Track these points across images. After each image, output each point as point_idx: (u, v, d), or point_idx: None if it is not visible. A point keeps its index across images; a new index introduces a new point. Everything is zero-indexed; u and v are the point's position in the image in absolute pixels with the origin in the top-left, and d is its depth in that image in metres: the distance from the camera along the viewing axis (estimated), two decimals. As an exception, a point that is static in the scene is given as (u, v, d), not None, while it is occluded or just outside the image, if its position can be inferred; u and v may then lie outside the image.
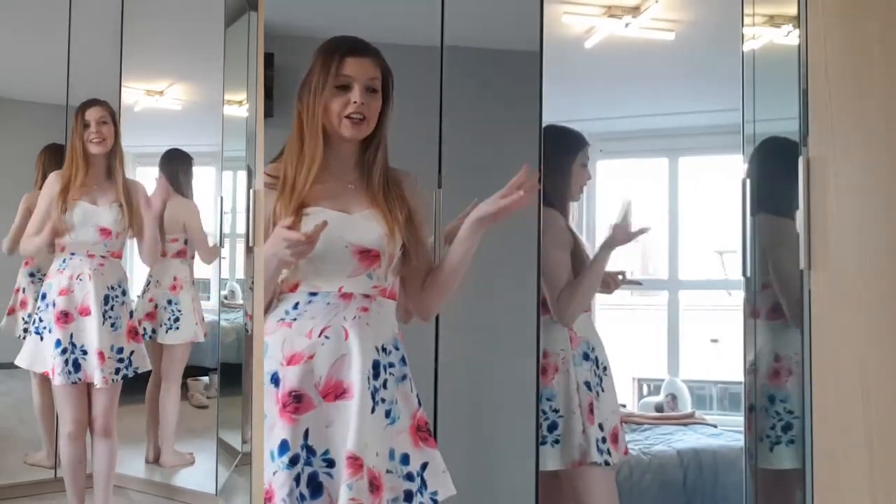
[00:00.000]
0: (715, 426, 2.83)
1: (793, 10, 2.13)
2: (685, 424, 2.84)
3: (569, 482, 2.41)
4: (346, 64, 1.74)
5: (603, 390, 2.44)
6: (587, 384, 2.42)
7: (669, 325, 2.88)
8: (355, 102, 1.73)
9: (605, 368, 2.47)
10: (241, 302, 3.65)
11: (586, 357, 2.44)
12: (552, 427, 2.39)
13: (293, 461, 1.61)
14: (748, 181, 2.26)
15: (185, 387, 3.67)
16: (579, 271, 2.48)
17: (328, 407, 1.65)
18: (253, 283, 2.95)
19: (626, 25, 2.69)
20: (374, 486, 1.62)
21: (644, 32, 2.70)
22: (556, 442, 2.38)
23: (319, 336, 1.67)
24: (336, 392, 1.65)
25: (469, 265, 1.77)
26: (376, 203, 1.76)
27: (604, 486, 2.40)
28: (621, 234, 2.51)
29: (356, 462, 1.59)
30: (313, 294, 1.72)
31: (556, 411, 2.40)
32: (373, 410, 1.64)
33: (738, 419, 2.46)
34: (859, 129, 1.58)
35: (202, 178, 3.56)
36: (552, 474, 2.41)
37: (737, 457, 2.48)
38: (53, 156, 3.24)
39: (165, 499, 3.37)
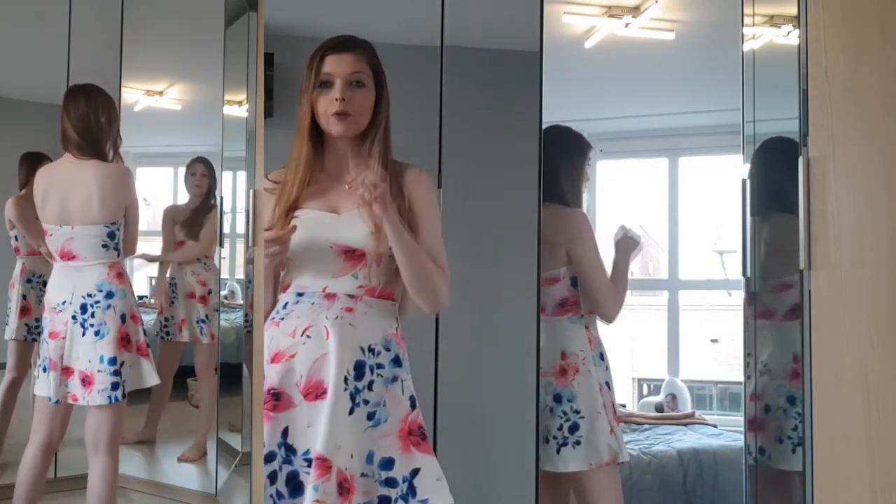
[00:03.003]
0: (715, 426, 2.83)
1: (793, 10, 2.12)
2: (685, 424, 2.84)
3: (577, 483, 2.40)
4: (326, 62, 1.74)
5: (610, 390, 2.45)
6: (607, 384, 2.42)
7: (669, 325, 2.88)
8: (337, 99, 1.72)
9: (606, 368, 2.47)
10: (240, 302, 3.65)
11: (602, 357, 2.44)
12: (574, 428, 2.37)
13: (268, 459, 1.61)
14: (748, 181, 2.25)
15: (184, 387, 3.68)
16: None
17: (309, 406, 1.65)
18: (251, 283, 2.95)
19: (626, 25, 2.69)
20: (345, 489, 1.60)
21: (644, 32, 2.70)
22: (578, 443, 2.37)
23: (302, 335, 1.67)
24: (317, 392, 1.65)
25: (409, 252, 1.70)
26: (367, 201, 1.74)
27: (616, 485, 2.40)
28: (633, 241, 2.54)
29: (324, 464, 1.58)
30: (300, 294, 1.73)
31: (578, 412, 2.38)
32: (351, 412, 1.63)
33: (738, 419, 2.45)
34: (859, 129, 1.58)
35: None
36: (553, 475, 2.40)
37: (737, 457, 2.48)
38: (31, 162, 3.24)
39: (165, 499, 3.37)
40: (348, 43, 1.77)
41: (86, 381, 2.55)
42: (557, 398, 2.40)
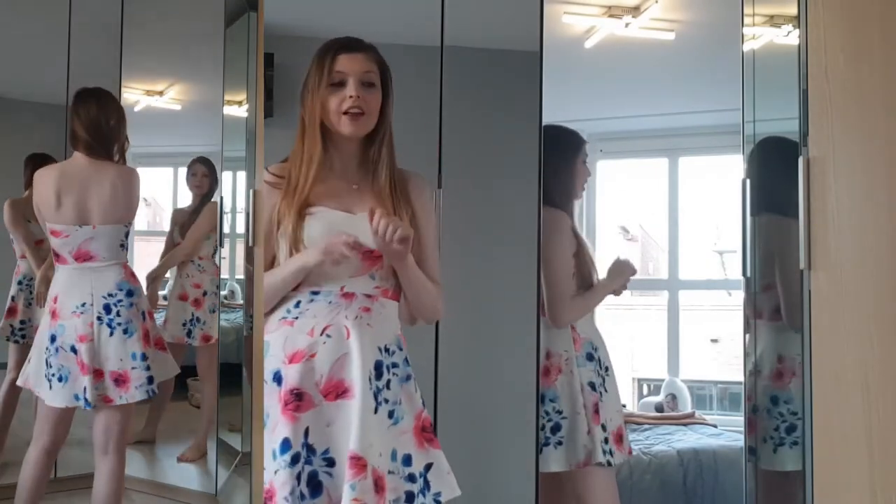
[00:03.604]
0: (715, 426, 2.83)
1: (793, 10, 2.12)
2: (685, 424, 2.84)
3: (570, 483, 2.41)
4: (338, 60, 1.76)
5: (606, 390, 2.44)
6: (591, 384, 2.42)
7: (669, 325, 2.87)
8: (351, 97, 1.74)
9: (606, 368, 2.47)
10: (240, 302, 3.65)
11: (590, 357, 2.44)
12: (556, 428, 2.38)
13: (294, 459, 1.61)
14: (748, 181, 2.26)
15: (185, 387, 3.68)
16: (582, 272, 2.47)
17: (328, 406, 1.65)
18: (252, 283, 2.95)
19: (626, 25, 2.69)
20: (379, 487, 1.62)
21: (644, 32, 2.70)
22: (560, 443, 2.37)
23: (321, 335, 1.68)
24: (337, 391, 1.65)
25: (418, 286, 1.79)
26: (381, 203, 1.76)
27: (606, 486, 2.40)
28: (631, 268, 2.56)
29: (359, 462, 1.59)
30: (315, 293, 1.73)
31: (560, 412, 2.39)
32: (375, 411, 1.65)
33: (738, 419, 2.45)
34: (859, 129, 1.58)
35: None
36: (553, 475, 2.41)
37: (737, 457, 2.48)
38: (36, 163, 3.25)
39: (165, 499, 3.37)
40: (359, 43, 1.79)
41: (119, 381, 2.56)
42: (541, 398, 2.41)
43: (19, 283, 3.33)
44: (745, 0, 2.34)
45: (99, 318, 2.56)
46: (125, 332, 2.58)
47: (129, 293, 2.61)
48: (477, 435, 2.59)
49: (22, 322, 3.30)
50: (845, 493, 1.57)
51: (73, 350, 2.55)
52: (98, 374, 2.55)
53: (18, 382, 2.70)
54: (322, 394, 1.65)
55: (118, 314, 2.58)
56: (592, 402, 2.41)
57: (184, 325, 3.49)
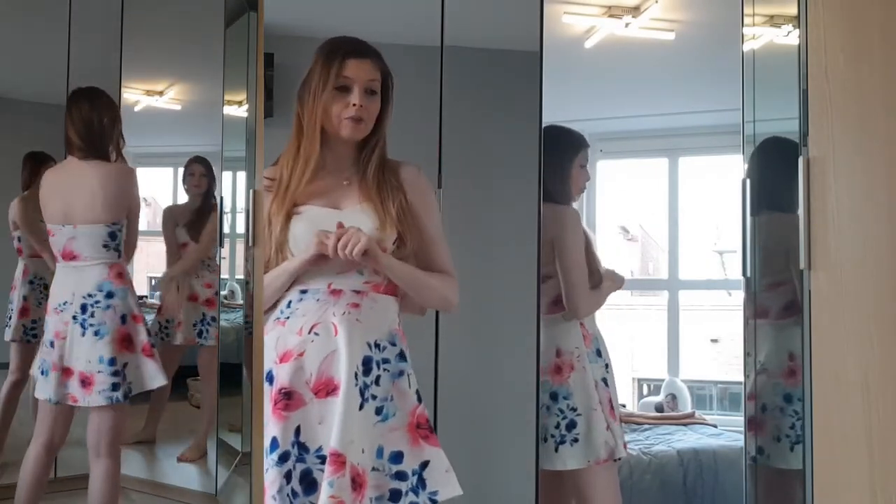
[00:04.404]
0: (715, 426, 2.83)
1: (793, 10, 2.13)
2: (685, 424, 2.84)
3: (572, 481, 2.41)
4: (346, 65, 1.75)
5: (607, 386, 2.45)
6: (604, 380, 2.43)
7: (669, 325, 2.88)
8: (354, 104, 1.74)
9: (606, 366, 2.47)
10: (240, 302, 3.65)
11: (599, 354, 2.45)
12: (571, 426, 2.38)
13: (283, 458, 1.61)
14: (748, 181, 2.26)
15: (184, 386, 3.68)
16: (590, 266, 2.49)
17: (319, 403, 1.65)
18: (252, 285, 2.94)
19: (626, 25, 2.69)
20: (357, 484, 1.61)
21: (644, 32, 2.70)
22: (576, 440, 2.37)
23: (309, 333, 1.68)
24: (327, 388, 1.65)
25: (413, 283, 1.78)
26: (369, 197, 1.76)
27: (612, 482, 2.41)
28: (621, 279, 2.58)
29: (338, 459, 1.59)
30: (304, 291, 1.73)
31: (574, 409, 2.39)
32: (361, 407, 1.64)
33: (738, 419, 2.46)
34: (859, 129, 1.58)
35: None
36: (553, 473, 2.41)
37: (737, 457, 2.48)
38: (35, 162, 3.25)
39: (165, 499, 3.37)
40: (367, 49, 1.79)
41: (85, 382, 2.54)
42: (554, 396, 2.40)
43: (30, 282, 3.34)
44: (745, 0, 2.34)
45: (74, 318, 2.56)
46: (96, 333, 2.55)
47: (109, 295, 2.58)
48: (477, 434, 2.59)
49: (34, 322, 3.31)
50: (845, 493, 1.57)
51: (52, 346, 2.57)
52: (68, 372, 2.55)
53: (31, 371, 2.75)
54: (312, 391, 1.65)
55: (92, 315, 2.56)
56: (607, 398, 2.41)
57: (194, 325, 3.49)
